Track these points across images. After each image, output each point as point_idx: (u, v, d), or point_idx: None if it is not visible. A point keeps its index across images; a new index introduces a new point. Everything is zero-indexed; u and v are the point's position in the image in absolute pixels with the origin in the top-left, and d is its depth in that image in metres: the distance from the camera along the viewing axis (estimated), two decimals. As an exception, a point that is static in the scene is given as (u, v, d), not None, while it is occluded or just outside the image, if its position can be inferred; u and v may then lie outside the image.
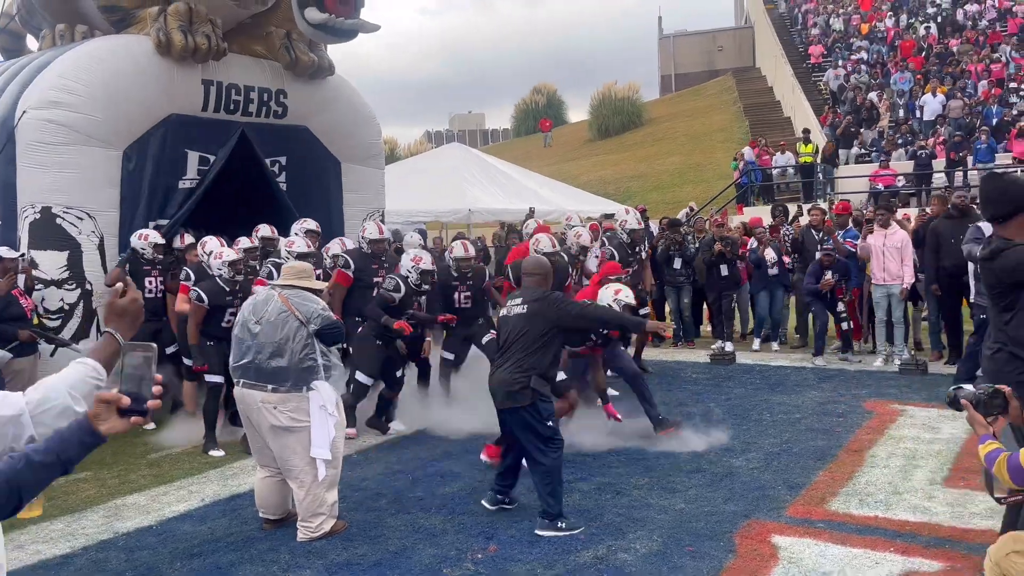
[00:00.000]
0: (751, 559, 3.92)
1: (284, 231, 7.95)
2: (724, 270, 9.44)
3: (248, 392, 4.05)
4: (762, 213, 13.28)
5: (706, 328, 10.75)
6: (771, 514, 4.50)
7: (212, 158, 8.06)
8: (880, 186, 16.93)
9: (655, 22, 45.36)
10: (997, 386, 2.85)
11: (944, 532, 4.16)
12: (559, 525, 4.28)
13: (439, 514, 4.67)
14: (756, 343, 9.98)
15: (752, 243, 9.97)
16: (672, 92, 41.04)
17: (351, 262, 7.11)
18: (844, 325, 8.85)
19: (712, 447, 5.77)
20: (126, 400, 1.52)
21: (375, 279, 6.98)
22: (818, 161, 18.46)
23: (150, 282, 7.15)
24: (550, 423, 4.42)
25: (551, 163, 30.80)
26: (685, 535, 4.23)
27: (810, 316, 9.46)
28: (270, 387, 4.02)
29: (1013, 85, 19.72)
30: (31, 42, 9.62)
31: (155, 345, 1.63)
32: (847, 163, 18.68)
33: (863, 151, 19.07)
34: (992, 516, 4.30)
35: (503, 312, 4.60)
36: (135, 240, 7.16)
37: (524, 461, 4.52)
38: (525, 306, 4.45)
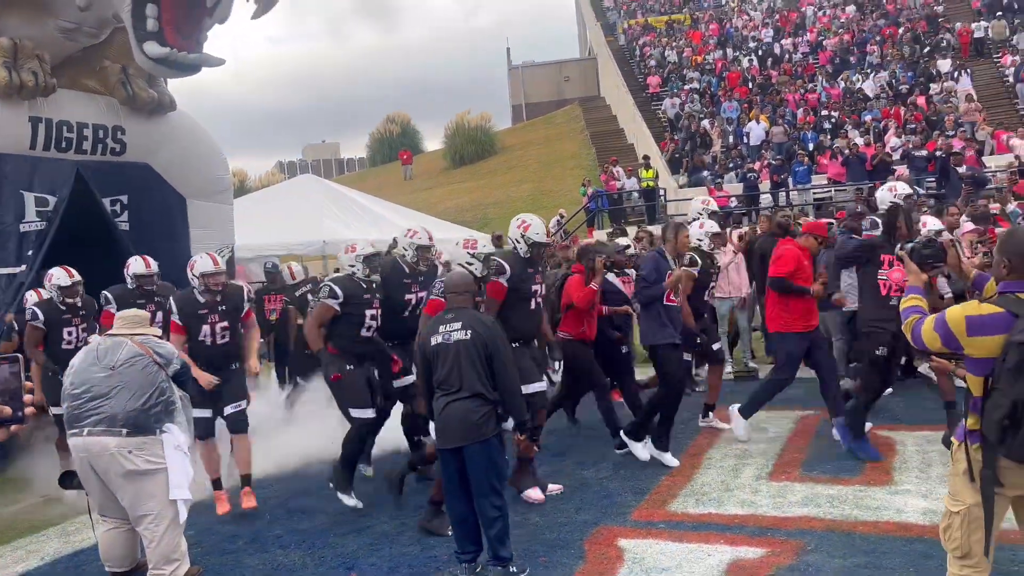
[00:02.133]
0: (599, 563, 4.19)
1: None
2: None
3: (97, 440, 3.94)
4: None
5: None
6: (618, 519, 4.81)
7: (50, 198, 7.69)
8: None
9: (504, 53, 46.47)
10: (932, 237, 3.18)
11: (767, 522, 4.60)
12: (512, 570, 4.02)
13: (298, 550, 4.68)
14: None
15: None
16: (523, 121, 42.20)
17: (339, 291, 5.49)
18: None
19: (567, 461, 6.07)
20: (7, 410, 1.58)
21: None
22: (659, 185, 19.65)
23: (70, 332, 6.46)
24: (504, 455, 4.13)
25: (409, 192, 30.91)
26: (538, 546, 4.46)
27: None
28: (125, 431, 3.93)
29: (825, 112, 21.74)
30: None
31: (20, 356, 1.72)
32: (682, 187, 19.94)
33: (699, 175, 20.46)
34: (806, 504, 4.81)
35: (437, 340, 4.12)
36: (47, 286, 6.60)
37: (477, 504, 4.03)
38: (468, 331, 4.08)
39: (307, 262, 15.06)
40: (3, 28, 7.71)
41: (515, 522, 4.82)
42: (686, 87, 25.92)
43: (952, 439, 2.94)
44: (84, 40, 8.20)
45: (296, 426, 7.03)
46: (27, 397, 1.66)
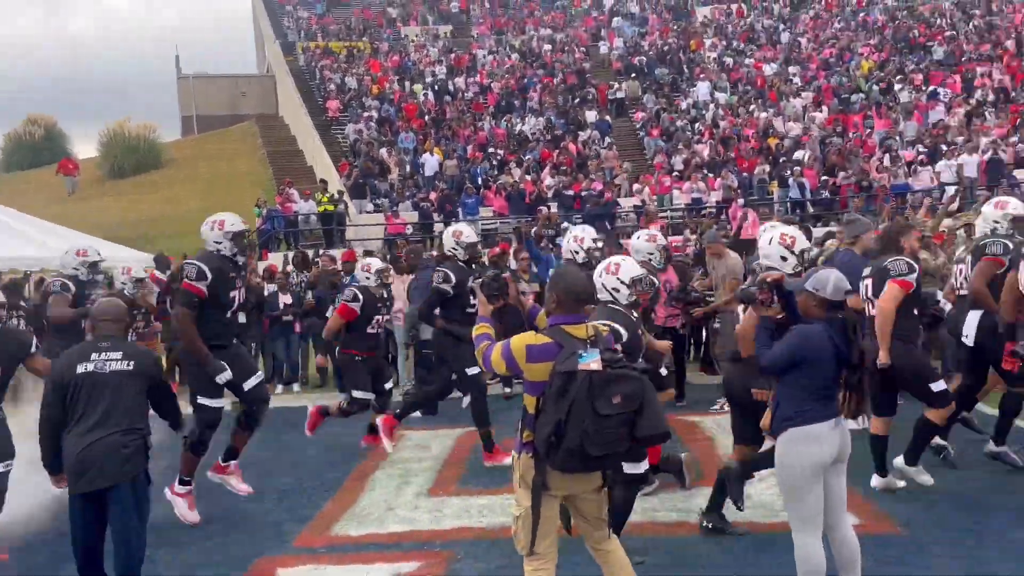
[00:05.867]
0: (256, 595, 4.14)
1: None
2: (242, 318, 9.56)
3: None
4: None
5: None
6: (279, 548, 4.78)
7: None
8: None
9: (173, 60, 43.41)
10: (498, 274, 3.71)
11: (424, 536, 4.89)
12: None
13: None
14: (279, 388, 10.28)
15: (271, 289, 10.33)
16: (194, 134, 39.74)
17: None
18: None
19: (230, 495, 5.85)
20: None
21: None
22: (344, 208, 19.71)
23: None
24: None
25: (54, 203, 27.40)
26: (192, 586, 4.27)
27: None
28: None
29: (491, 150, 23.50)
30: None
31: None
32: (361, 213, 20.26)
33: (377, 201, 20.93)
34: (459, 516, 5.18)
35: (86, 368, 3.85)
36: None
37: (124, 552, 3.78)
38: (130, 362, 3.92)
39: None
40: None
41: (165, 562, 4.57)
42: (365, 114, 26.37)
43: (513, 451, 3.41)
44: None
45: None
46: None
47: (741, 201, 17.55)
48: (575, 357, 3.09)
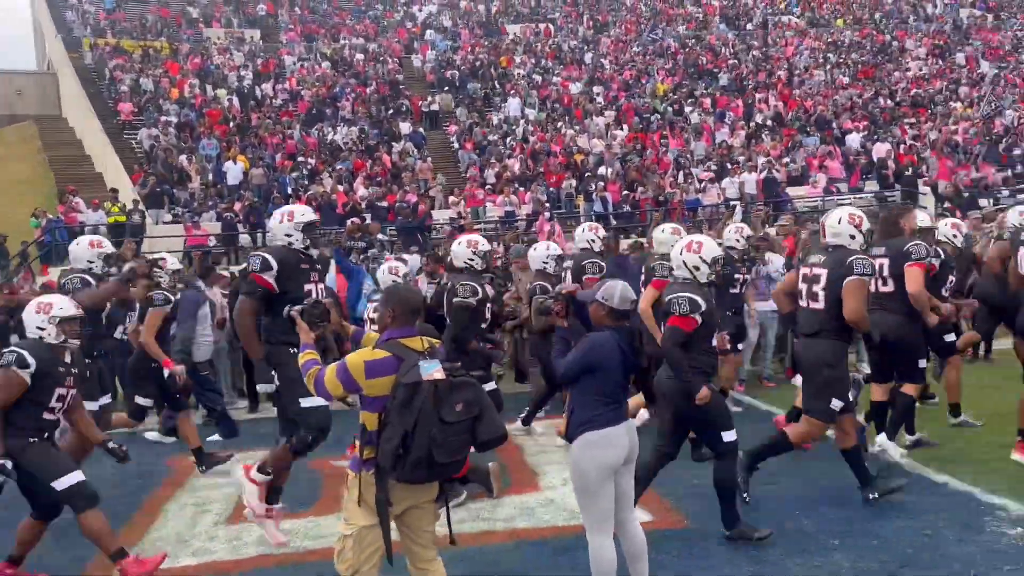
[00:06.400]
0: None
1: None
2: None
3: None
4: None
5: None
6: (53, 596, 4.34)
7: None
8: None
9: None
10: (320, 299, 3.65)
11: (222, 567, 4.64)
12: None
13: None
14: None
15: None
16: (-40, 134, 35.47)
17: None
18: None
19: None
20: None
21: None
22: (140, 219, 18.30)
23: None
24: None
25: None
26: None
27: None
28: None
29: (302, 159, 22.79)
30: None
31: None
32: (158, 223, 18.99)
33: (176, 211, 19.68)
34: (262, 543, 4.95)
35: None
36: None
37: None
38: None
39: None
40: None
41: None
42: (163, 118, 24.73)
43: (348, 470, 3.37)
44: None
45: None
46: None
47: (548, 215, 18.21)
48: (417, 368, 3.13)
